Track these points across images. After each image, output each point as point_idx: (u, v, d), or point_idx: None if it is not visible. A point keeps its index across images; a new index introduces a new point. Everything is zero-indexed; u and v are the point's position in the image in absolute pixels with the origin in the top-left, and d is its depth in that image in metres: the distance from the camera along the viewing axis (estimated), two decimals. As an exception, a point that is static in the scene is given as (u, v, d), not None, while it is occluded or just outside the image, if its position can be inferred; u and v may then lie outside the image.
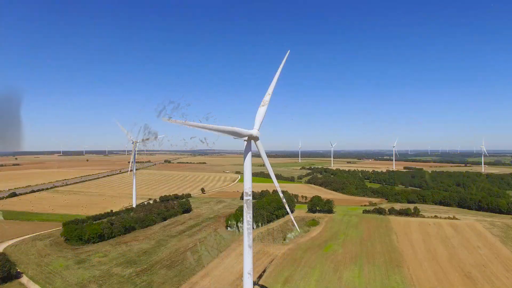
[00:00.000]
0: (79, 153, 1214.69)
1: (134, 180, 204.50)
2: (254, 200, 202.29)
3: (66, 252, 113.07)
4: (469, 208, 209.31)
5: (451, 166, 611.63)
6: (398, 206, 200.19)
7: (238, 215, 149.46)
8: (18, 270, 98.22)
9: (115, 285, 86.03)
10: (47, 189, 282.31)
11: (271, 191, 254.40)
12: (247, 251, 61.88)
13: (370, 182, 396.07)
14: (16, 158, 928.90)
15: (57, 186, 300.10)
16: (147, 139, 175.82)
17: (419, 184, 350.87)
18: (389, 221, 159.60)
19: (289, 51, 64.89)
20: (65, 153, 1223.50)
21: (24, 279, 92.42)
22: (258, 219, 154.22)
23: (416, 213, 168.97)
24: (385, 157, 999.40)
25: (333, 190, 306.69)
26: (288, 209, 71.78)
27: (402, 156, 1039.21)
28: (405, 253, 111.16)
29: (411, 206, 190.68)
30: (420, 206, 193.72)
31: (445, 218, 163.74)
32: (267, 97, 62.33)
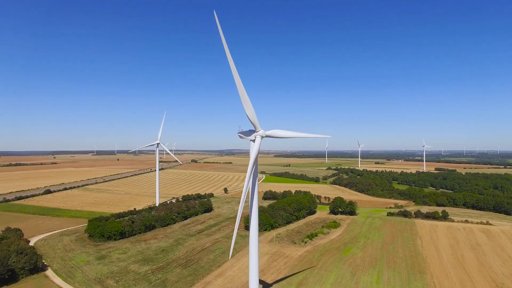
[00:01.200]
0: (111, 152, 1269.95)
1: (157, 179, 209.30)
2: (273, 201, 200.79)
3: (88, 248, 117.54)
4: (507, 213, 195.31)
5: (489, 168, 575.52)
6: (425, 209, 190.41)
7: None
8: (45, 263, 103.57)
9: (131, 282, 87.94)
10: (78, 187, 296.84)
11: (293, 191, 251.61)
12: (253, 252, 60.68)
13: (398, 183, 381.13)
14: (54, 157, 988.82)
15: (88, 184, 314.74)
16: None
17: (451, 186, 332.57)
18: (414, 224, 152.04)
19: (330, 137, 70.80)
20: (98, 153, 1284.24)
21: (48, 272, 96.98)
22: (277, 220, 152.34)
23: (444, 217, 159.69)
24: (416, 158, 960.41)
25: (358, 191, 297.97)
26: (236, 229, 55.54)
27: (435, 157, 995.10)
28: (429, 259, 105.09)
29: (440, 209, 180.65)
30: (450, 210, 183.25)
31: (477, 223, 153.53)
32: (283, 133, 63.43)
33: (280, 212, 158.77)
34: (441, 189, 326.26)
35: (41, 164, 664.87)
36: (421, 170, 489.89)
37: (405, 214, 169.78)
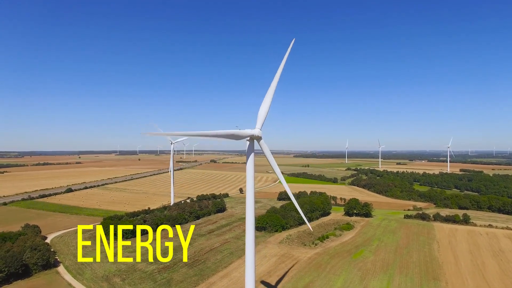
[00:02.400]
0: (133, 152, 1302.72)
1: (172, 178, 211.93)
2: (287, 202, 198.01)
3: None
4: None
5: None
6: (446, 212, 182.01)
7: (267, 216, 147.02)
8: (58, 259, 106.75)
9: (137, 280, 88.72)
10: (98, 186, 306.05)
11: (309, 192, 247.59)
12: (249, 254, 59.15)
13: (420, 185, 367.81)
14: (79, 157, 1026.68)
15: (107, 184, 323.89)
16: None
17: (476, 188, 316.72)
18: (432, 228, 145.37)
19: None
20: (121, 153, 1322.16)
21: (60, 268, 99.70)
22: (289, 221, 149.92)
23: (465, 221, 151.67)
24: (440, 158, 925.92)
25: (376, 192, 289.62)
26: None
27: (461, 158, 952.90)
28: (445, 265, 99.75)
29: (461, 212, 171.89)
30: (472, 213, 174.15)
31: (502, 228, 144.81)
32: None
33: (292, 213, 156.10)
34: (465, 191, 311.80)
35: (67, 163, 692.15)
36: (444, 171, 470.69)
37: (423, 216, 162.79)
